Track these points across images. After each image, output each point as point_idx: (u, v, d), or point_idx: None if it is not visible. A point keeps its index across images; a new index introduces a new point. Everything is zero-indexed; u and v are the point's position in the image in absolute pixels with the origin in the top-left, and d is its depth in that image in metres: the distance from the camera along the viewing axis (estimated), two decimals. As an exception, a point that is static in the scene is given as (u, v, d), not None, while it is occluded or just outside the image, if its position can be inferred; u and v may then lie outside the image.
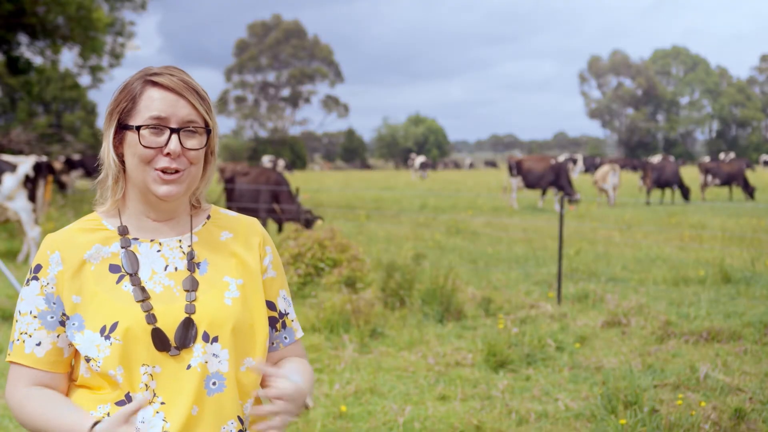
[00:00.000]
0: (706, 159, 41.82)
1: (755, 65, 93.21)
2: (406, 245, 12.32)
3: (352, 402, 5.08)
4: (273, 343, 1.83)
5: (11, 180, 10.25)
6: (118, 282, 1.68)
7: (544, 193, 21.84)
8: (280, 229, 12.50)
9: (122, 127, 1.68)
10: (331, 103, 79.52)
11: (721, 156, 41.86)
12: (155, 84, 1.67)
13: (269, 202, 12.56)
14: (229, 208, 11.85)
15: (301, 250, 8.34)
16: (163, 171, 1.66)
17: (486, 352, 5.92)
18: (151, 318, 1.63)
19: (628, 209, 20.48)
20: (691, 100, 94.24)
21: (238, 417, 1.70)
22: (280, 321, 1.84)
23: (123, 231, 1.73)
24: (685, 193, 23.37)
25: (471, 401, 5.11)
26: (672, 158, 37.87)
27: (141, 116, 1.65)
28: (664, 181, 23.56)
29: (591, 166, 45.97)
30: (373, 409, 4.95)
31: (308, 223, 11.83)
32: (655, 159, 34.49)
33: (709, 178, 25.53)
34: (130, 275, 1.68)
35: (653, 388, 5.23)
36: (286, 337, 1.85)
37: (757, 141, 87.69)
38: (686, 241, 12.91)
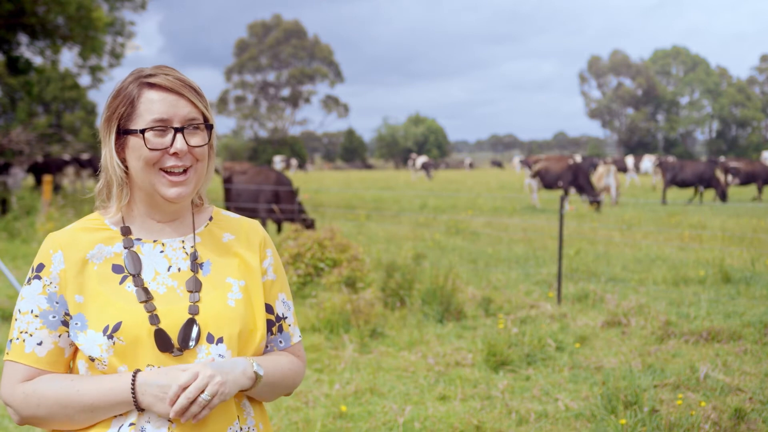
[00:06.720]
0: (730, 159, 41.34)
1: (755, 65, 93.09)
2: (406, 245, 12.31)
3: (352, 402, 5.08)
4: (267, 346, 1.83)
5: None
6: (121, 282, 1.67)
7: (566, 194, 21.57)
8: (279, 229, 12.50)
9: (123, 132, 1.67)
10: (331, 103, 79.49)
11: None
12: (152, 86, 1.66)
13: (269, 202, 12.56)
14: (227, 208, 11.84)
15: (300, 250, 8.33)
16: (171, 171, 1.66)
17: (486, 352, 5.92)
18: (155, 319, 1.63)
19: (629, 209, 20.47)
20: (691, 100, 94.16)
21: (240, 415, 1.71)
22: (277, 325, 1.83)
23: (125, 231, 1.73)
24: (721, 194, 22.58)
25: (471, 401, 5.10)
26: (671, 158, 37.78)
27: (143, 119, 1.65)
28: (680, 180, 23.19)
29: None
30: (373, 409, 4.95)
31: (310, 225, 11.85)
32: (652, 158, 34.39)
33: (730, 177, 25.37)
34: (133, 276, 1.68)
35: (653, 388, 5.23)
36: (281, 341, 1.85)
37: (757, 141, 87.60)
38: (686, 241, 12.91)
